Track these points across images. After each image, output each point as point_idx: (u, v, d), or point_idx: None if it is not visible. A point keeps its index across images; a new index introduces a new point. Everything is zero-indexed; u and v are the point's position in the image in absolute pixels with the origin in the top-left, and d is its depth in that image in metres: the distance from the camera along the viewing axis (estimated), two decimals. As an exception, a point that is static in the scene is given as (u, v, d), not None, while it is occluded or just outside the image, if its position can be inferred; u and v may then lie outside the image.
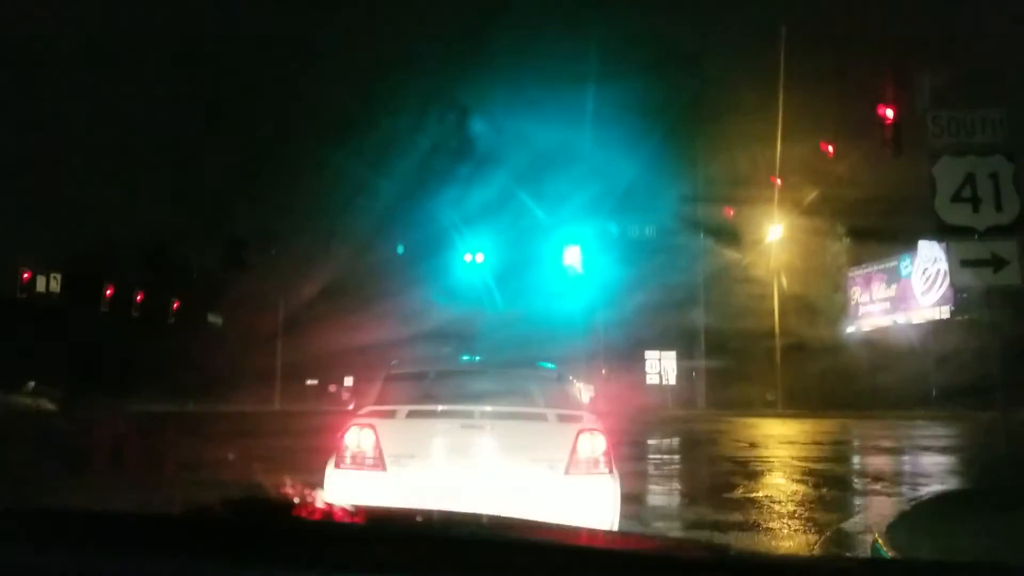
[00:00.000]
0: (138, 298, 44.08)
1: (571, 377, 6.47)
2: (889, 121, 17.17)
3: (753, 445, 16.92)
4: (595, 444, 4.96)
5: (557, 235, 33.89)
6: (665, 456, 16.07)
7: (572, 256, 33.22)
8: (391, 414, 5.23)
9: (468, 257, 32.11)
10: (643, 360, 45.24)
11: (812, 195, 32.56)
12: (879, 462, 13.72)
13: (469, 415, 5.11)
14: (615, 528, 4.98)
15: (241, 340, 53.55)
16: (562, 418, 5.16)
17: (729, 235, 37.81)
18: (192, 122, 76.93)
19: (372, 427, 5.08)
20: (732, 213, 35.20)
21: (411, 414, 5.23)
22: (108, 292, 42.08)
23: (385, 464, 4.98)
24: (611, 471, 5.00)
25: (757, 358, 37.80)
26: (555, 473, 4.88)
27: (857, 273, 38.72)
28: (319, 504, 2.16)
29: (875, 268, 37.52)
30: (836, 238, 38.23)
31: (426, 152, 37.12)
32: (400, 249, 39.39)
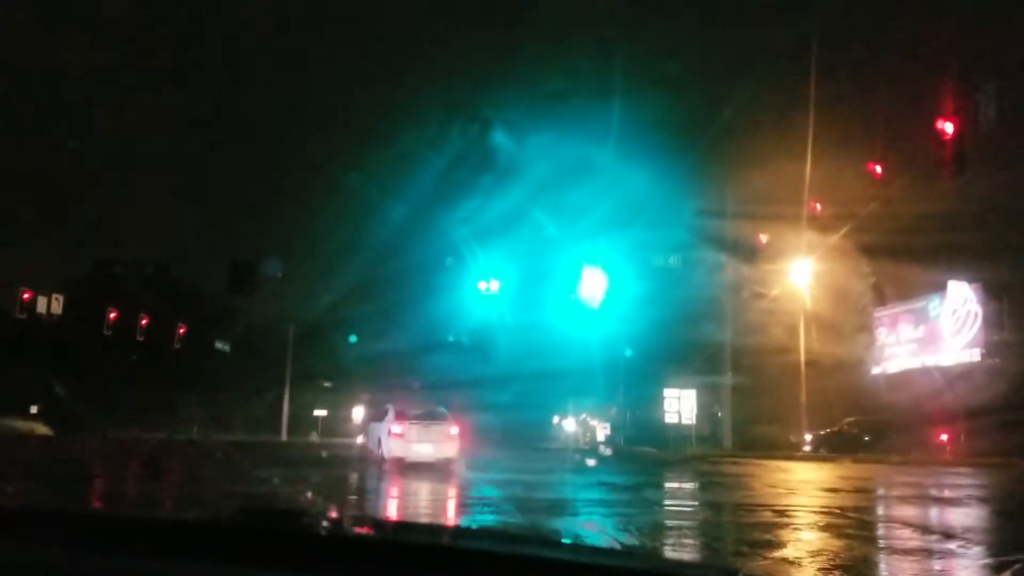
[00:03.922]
0: (143, 322, 42.88)
1: (449, 414, 19.90)
2: (947, 137, 15.59)
3: (791, 491, 15.39)
4: (454, 427, 19.40)
5: (576, 260, 32.57)
6: (694, 502, 14.45)
7: (591, 282, 31.86)
8: (405, 421, 19.24)
9: (483, 285, 30.90)
10: (662, 397, 43.82)
11: (849, 224, 31.08)
12: (941, 515, 12.14)
13: (426, 421, 19.39)
14: (457, 451, 19.36)
15: (249, 368, 52.40)
16: (448, 421, 19.59)
17: (758, 268, 36.39)
18: (201, 142, 76.60)
19: (401, 423, 19.22)
20: (764, 243, 33.64)
21: (411, 420, 19.31)
22: (112, 315, 40.90)
23: (405, 436, 18.89)
24: (458, 435, 19.42)
25: (783, 398, 36.44)
26: (445, 435, 19.17)
27: (883, 313, 37.27)
28: (331, 514, 3.07)
29: (902, 309, 36.12)
30: (863, 277, 36.78)
31: (446, 167, 36.11)
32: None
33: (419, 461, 18.40)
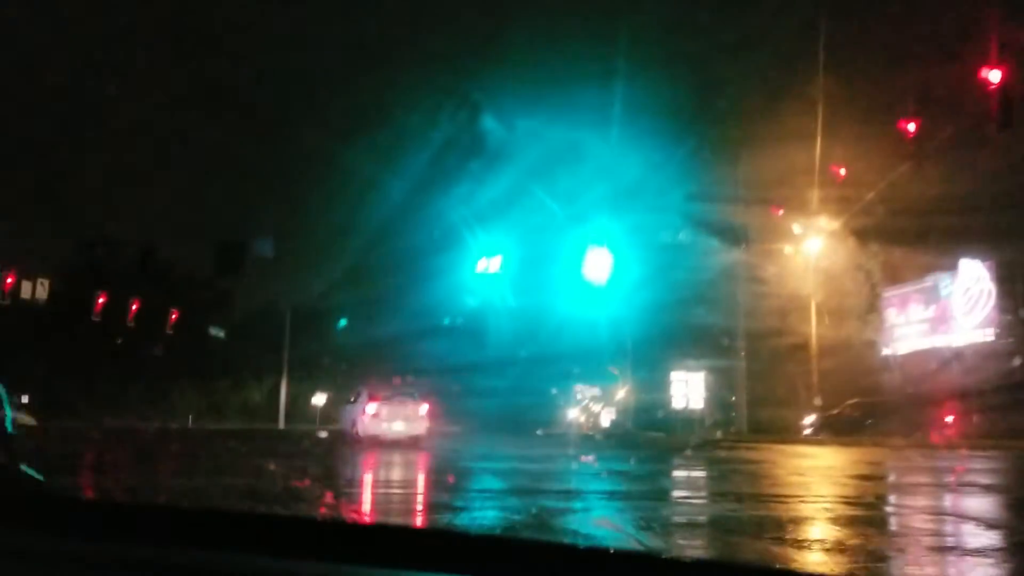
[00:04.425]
0: (133, 308, 41.56)
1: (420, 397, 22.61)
2: (993, 87, 14.07)
3: (817, 479, 14.22)
4: (423, 407, 22.36)
5: (581, 240, 31.47)
6: (716, 493, 13.20)
7: (596, 263, 30.73)
8: (378, 402, 21.82)
9: (484, 262, 29.89)
10: (669, 381, 42.67)
11: (869, 195, 29.71)
12: (992, 506, 10.94)
13: (397, 401, 21.98)
14: (426, 429, 22.46)
15: (245, 354, 51.22)
16: (417, 401, 22.38)
17: (768, 248, 35.26)
18: (192, 122, 75.07)
19: (376, 403, 21.87)
20: (779, 213, 32.34)
21: (383, 401, 21.95)
22: (101, 300, 39.57)
23: (379, 415, 21.49)
24: (427, 414, 22.52)
25: (793, 381, 35.50)
26: (415, 415, 22.04)
27: (893, 293, 36.27)
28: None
29: (912, 288, 35.28)
30: (873, 256, 35.65)
31: (444, 147, 35.10)
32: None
33: (392, 438, 20.60)
